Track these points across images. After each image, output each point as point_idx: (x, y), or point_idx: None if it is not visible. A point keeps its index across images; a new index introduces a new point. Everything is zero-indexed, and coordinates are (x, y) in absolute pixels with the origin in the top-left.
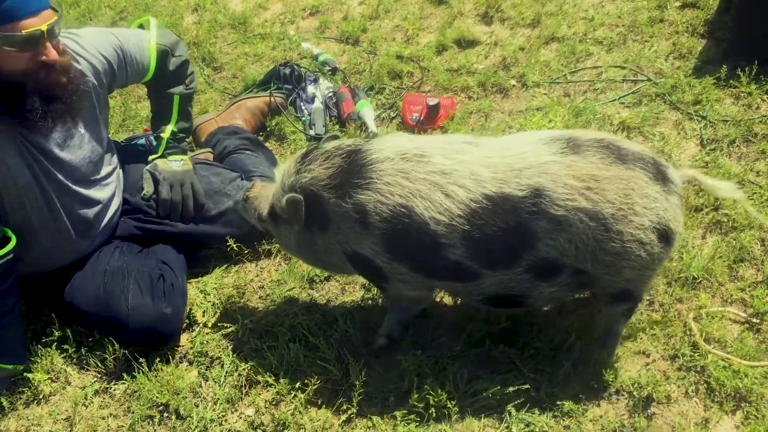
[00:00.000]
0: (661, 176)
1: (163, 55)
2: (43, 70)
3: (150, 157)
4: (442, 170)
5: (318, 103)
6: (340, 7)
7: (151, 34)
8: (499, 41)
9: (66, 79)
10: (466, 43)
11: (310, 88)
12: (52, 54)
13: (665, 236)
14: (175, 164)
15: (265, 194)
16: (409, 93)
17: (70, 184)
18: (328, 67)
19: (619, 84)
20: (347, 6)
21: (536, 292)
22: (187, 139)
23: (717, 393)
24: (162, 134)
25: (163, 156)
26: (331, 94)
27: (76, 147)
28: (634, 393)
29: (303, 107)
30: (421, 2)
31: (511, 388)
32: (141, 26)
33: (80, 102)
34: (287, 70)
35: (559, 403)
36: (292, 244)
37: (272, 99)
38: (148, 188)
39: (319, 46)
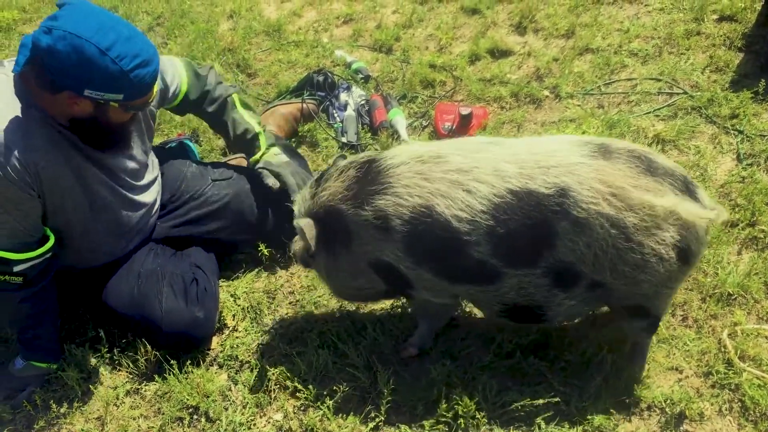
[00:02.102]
0: (689, 194)
1: (189, 65)
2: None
3: (254, 158)
4: (460, 168)
5: (350, 111)
6: (373, 16)
7: (174, 60)
8: (532, 52)
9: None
10: (499, 53)
11: (343, 96)
12: (149, 107)
13: (685, 256)
14: (282, 156)
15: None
16: (441, 102)
17: (118, 188)
18: (361, 75)
19: (654, 96)
20: (381, 14)
21: (554, 302)
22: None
23: (752, 412)
24: (255, 130)
25: (267, 150)
26: (363, 102)
27: (126, 155)
28: (667, 409)
29: (335, 115)
30: (454, 12)
31: (540, 401)
32: None
33: (139, 118)
34: (320, 78)
35: (589, 417)
36: (324, 276)
37: (305, 105)
38: (274, 182)
39: (353, 54)
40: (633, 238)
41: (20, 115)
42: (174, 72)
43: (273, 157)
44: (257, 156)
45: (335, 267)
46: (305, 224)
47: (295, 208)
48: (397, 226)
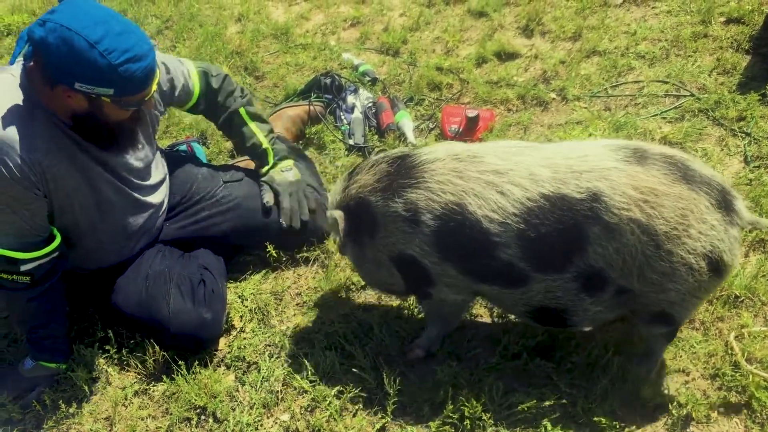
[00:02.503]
0: (725, 205)
1: (204, 75)
2: (137, 112)
3: (263, 169)
4: (496, 170)
5: (357, 113)
6: (380, 19)
7: (186, 61)
8: (539, 54)
9: (148, 113)
10: (506, 56)
11: (350, 98)
12: (151, 105)
13: (716, 267)
14: (288, 174)
15: None
16: (448, 104)
17: (125, 189)
18: (368, 78)
19: (661, 99)
20: (388, 17)
21: (581, 307)
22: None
23: (759, 414)
24: (261, 146)
25: (274, 166)
26: (370, 105)
27: (132, 156)
28: (673, 411)
29: (342, 117)
30: (461, 14)
31: (547, 403)
32: None
33: (147, 120)
34: (328, 80)
35: (596, 419)
36: (353, 263)
37: (312, 108)
38: (269, 198)
39: (360, 57)
40: (663, 245)
41: (25, 115)
42: (185, 79)
43: (278, 174)
44: (264, 170)
45: (361, 256)
46: (337, 216)
47: (328, 200)
48: (427, 221)
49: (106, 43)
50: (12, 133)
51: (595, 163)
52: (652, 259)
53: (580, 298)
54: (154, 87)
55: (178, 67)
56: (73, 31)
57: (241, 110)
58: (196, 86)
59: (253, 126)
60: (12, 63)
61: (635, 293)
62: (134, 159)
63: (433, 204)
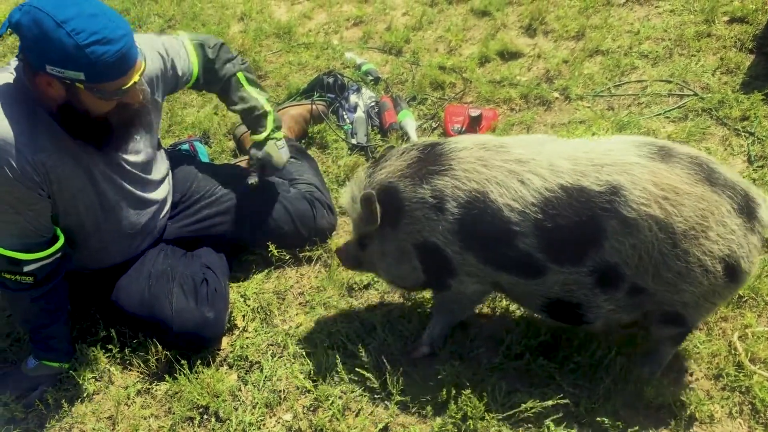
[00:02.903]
0: (747, 211)
1: (201, 48)
2: (125, 107)
3: (260, 135)
4: (519, 159)
5: (360, 113)
6: (383, 18)
7: (182, 36)
8: (542, 53)
9: (141, 107)
10: (509, 55)
11: (353, 98)
12: (137, 98)
13: (732, 272)
14: (283, 152)
15: (347, 242)
16: (451, 104)
17: (127, 186)
18: (370, 77)
19: (665, 98)
20: (391, 17)
21: (594, 303)
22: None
23: (762, 414)
24: (263, 109)
25: (271, 134)
26: (373, 104)
27: (132, 151)
28: (677, 412)
29: (345, 116)
30: (464, 14)
31: (549, 402)
32: None
33: (145, 116)
34: (330, 80)
35: (598, 419)
36: (377, 260)
37: (315, 107)
38: (254, 181)
39: (362, 56)
40: (680, 244)
41: (28, 115)
42: (185, 60)
43: (274, 150)
44: (261, 136)
45: (382, 251)
46: (370, 194)
47: (349, 189)
48: (451, 208)
49: (74, 24)
50: (15, 133)
51: (617, 158)
52: (668, 257)
53: (595, 294)
54: (136, 77)
55: (174, 44)
56: (43, 12)
57: (239, 74)
58: (194, 62)
59: (250, 89)
60: None
61: (649, 293)
62: (132, 153)
63: (458, 192)
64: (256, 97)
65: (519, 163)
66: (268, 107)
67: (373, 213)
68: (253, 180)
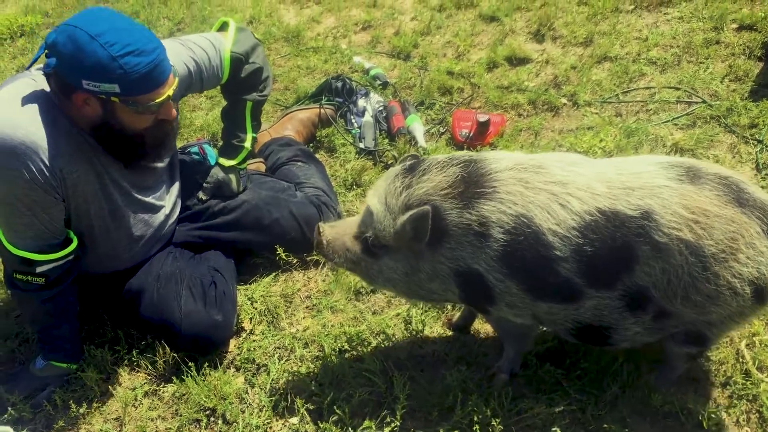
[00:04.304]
0: None
1: (237, 62)
2: (161, 124)
3: (228, 163)
4: (560, 180)
5: (368, 117)
6: (392, 23)
7: (228, 39)
8: (550, 59)
9: (176, 126)
10: (517, 61)
11: (361, 102)
12: (172, 114)
13: (760, 294)
14: (242, 181)
15: (342, 232)
16: (459, 109)
17: (136, 194)
18: (379, 82)
19: (673, 105)
20: (399, 21)
21: (622, 326)
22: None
23: None
24: (244, 143)
25: (239, 165)
26: (381, 108)
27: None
28: (683, 419)
29: (353, 120)
30: (472, 19)
31: (556, 409)
32: (222, 26)
33: (175, 136)
34: (339, 84)
35: (605, 426)
36: (399, 274)
37: (323, 111)
38: (203, 196)
39: (371, 61)
40: (710, 267)
41: (48, 119)
42: (215, 74)
43: (235, 175)
44: (229, 163)
45: (412, 267)
46: (426, 212)
47: (377, 201)
48: (496, 234)
49: (108, 36)
50: (35, 137)
51: (647, 181)
52: (698, 280)
53: (624, 317)
54: (170, 91)
55: (208, 56)
56: (77, 28)
57: (248, 103)
58: (224, 76)
59: (248, 120)
60: (28, 69)
61: (676, 315)
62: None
63: (503, 217)
64: (247, 129)
65: (560, 185)
66: (249, 145)
67: (423, 231)
68: (204, 196)
